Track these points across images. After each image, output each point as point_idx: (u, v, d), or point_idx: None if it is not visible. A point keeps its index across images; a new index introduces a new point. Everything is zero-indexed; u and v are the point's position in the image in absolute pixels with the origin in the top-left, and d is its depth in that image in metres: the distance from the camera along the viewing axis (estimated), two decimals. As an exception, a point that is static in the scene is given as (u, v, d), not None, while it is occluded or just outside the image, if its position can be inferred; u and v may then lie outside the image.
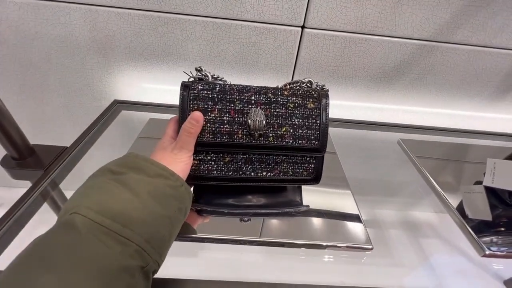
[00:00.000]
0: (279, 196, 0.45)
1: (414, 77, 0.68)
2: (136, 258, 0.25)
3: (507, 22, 0.60)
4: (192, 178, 0.39)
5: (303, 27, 0.60)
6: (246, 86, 0.39)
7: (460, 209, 0.48)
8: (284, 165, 0.41)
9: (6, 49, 0.62)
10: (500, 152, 0.67)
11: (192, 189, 0.36)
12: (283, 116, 0.38)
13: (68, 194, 0.33)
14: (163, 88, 0.69)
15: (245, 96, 0.38)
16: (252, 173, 0.40)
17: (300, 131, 0.39)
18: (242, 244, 0.39)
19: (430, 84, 0.70)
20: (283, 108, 0.38)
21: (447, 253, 0.55)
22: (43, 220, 0.40)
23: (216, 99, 0.37)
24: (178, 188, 0.33)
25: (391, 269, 0.52)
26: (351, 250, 0.39)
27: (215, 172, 0.40)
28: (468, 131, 0.76)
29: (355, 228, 0.42)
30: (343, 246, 0.39)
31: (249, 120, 0.37)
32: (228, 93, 0.38)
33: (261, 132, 0.38)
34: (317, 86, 0.42)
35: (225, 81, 0.41)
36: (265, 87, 0.40)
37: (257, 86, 0.39)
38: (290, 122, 0.38)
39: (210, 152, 0.39)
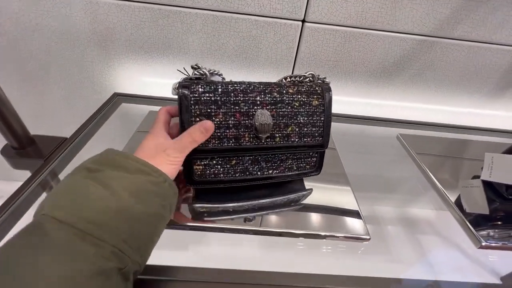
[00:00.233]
0: (282, 185, 0.45)
1: (413, 73, 0.68)
2: (112, 260, 0.24)
3: (507, 18, 0.60)
4: (198, 183, 0.39)
5: (303, 21, 0.60)
6: (249, 84, 0.37)
7: (458, 203, 0.48)
8: (289, 161, 0.41)
9: (6, 41, 0.62)
10: (499, 148, 0.68)
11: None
12: (289, 116, 0.38)
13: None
14: (163, 82, 0.69)
15: (250, 97, 0.36)
16: (259, 173, 0.40)
17: (305, 129, 0.39)
18: (240, 233, 0.39)
19: (429, 80, 0.70)
20: (289, 107, 0.38)
21: (445, 248, 0.55)
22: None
23: (219, 102, 0.35)
24: (161, 184, 0.31)
25: (389, 264, 0.52)
26: (349, 240, 0.39)
27: (222, 175, 0.39)
28: (467, 127, 0.76)
29: (353, 220, 0.42)
30: (341, 236, 0.39)
31: (256, 123, 0.36)
32: (232, 94, 0.36)
33: (268, 134, 0.37)
34: (319, 79, 0.42)
35: (221, 74, 0.40)
36: (269, 84, 0.38)
37: (260, 84, 0.38)
38: (296, 121, 0.38)
39: (215, 157, 0.38)
